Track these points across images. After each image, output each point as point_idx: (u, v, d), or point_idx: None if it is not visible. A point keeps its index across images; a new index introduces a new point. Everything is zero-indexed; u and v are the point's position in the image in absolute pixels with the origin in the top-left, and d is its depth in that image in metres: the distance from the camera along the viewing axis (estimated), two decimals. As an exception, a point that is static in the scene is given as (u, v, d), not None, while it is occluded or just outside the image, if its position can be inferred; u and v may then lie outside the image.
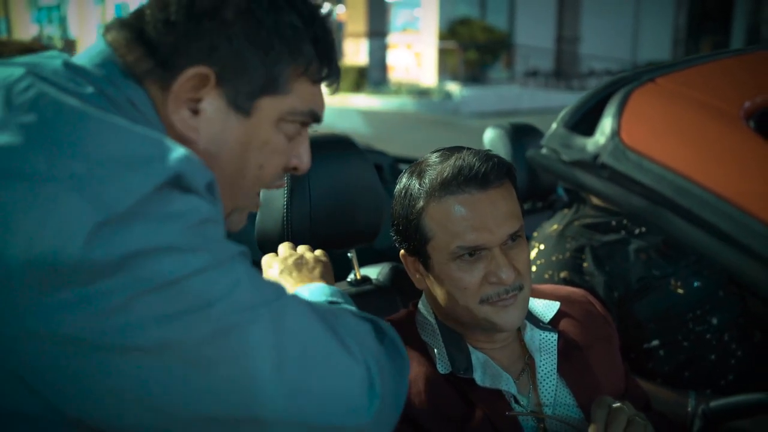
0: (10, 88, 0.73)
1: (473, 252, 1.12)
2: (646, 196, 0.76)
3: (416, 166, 1.20)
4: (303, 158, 0.94)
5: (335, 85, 0.94)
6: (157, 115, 0.83)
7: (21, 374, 0.66)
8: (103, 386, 0.67)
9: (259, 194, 0.95)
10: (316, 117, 0.92)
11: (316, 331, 0.78)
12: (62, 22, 23.78)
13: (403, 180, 1.20)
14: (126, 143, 0.70)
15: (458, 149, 1.18)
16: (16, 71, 0.76)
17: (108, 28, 0.87)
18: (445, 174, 1.13)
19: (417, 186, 1.16)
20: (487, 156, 1.15)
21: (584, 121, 0.83)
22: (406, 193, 1.18)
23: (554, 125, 0.85)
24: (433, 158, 1.18)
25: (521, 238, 1.16)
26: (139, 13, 0.86)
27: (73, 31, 23.28)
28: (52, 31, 23.17)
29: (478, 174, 1.11)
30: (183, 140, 0.84)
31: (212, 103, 0.84)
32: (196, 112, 0.84)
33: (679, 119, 0.81)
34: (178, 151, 0.71)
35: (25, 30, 23.11)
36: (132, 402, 0.67)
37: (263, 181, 0.92)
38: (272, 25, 0.85)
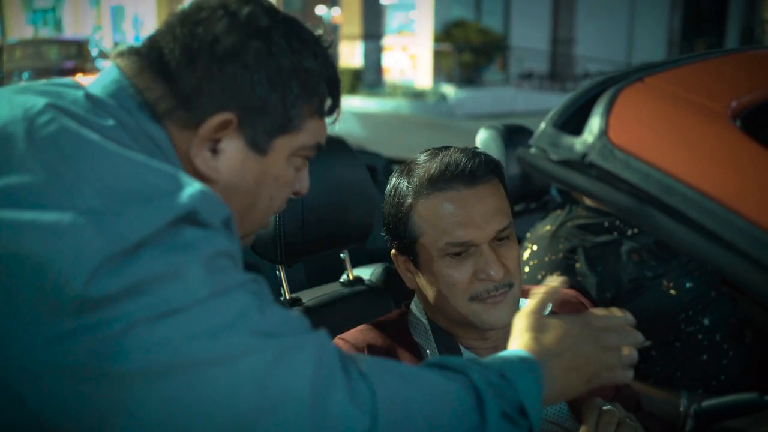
0: (32, 120, 0.73)
1: (462, 249, 1.12)
2: (633, 195, 0.76)
3: (405, 166, 1.20)
4: (304, 183, 0.97)
5: (338, 116, 0.96)
6: (175, 151, 0.83)
7: (24, 400, 0.66)
8: (96, 413, 0.65)
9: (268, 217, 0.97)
10: (321, 148, 0.94)
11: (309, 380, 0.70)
12: (57, 24, 23.75)
13: (393, 179, 1.21)
14: (143, 177, 0.71)
15: (446, 148, 1.18)
16: (39, 102, 0.76)
17: (120, 54, 0.86)
18: (432, 171, 1.13)
19: (405, 184, 1.17)
20: (473, 153, 1.16)
21: (573, 120, 0.84)
22: (395, 191, 1.19)
23: (543, 124, 0.85)
24: (422, 157, 1.19)
25: (511, 235, 1.16)
26: (155, 45, 0.85)
27: (68, 34, 23.23)
28: (46, 33, 23.11)
29: (465, 170, 1.12)
30: (203, 179, 0.83)
31: (232, 144, 0.85)
32: (215, 151, 0.85)
33: (666, 118, 0.81)
34: (194, 186, 0.72)
35: (20, 32, 23.03)
36: (127, 429, 0.66)
37: (272, 210, 0.94)
38: (291, 68, 0.85)
